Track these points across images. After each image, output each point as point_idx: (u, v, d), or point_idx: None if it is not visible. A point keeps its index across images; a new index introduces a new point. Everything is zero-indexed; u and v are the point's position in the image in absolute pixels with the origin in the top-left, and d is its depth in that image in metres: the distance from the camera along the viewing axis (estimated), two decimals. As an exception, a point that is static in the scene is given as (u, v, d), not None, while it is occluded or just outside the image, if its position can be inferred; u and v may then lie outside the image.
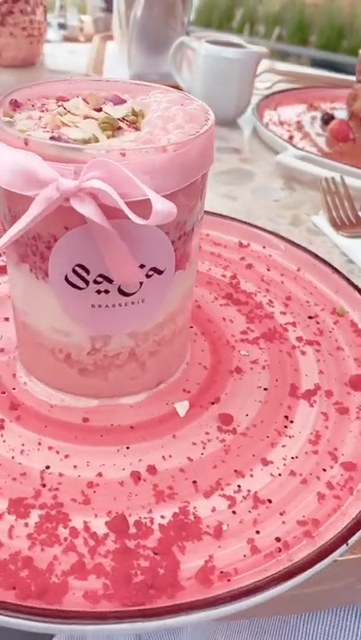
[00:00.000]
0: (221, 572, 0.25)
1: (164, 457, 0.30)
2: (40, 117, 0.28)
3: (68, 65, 0.98)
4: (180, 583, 0.24)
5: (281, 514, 0.27)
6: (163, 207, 0.23)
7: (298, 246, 0.46)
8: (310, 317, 0.40)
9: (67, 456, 0.30)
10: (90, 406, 0.32)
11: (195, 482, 0.29)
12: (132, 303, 0.29)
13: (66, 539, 0.26)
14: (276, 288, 0.43)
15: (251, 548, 0.26)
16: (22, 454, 0.29)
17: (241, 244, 0.48)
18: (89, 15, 1.39)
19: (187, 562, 0.25)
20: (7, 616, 0.22)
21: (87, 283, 0.27)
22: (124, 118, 0.28)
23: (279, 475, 0.29)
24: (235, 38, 0.75)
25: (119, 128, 0.28)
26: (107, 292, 0.28)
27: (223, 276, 0.44)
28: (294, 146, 0.67)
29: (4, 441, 0.30)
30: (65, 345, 0.31)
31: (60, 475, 0.29)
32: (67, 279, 0.27)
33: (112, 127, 0.27)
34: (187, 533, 0.26)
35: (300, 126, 0.77)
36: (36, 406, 0.32)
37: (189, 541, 0.26)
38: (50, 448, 0.30)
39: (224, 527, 0.27)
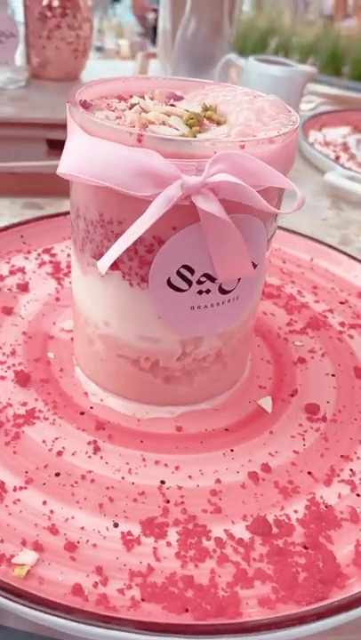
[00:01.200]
0: (375, 554, 0.25)
1: (270, 454, 0.30)
2: (118, 117, 0.27)
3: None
4: (344, 572, 0.24)
5: None
6: (300, 193, 0.23)
7: (305, 236, 0.48)
8: (342, 303, 0.42)
9: (177, 468, 0.28)
10: (177, 415, 0.31)
11: (310, 472, 0.29)
12: (229, 301, 0.28)
13: (215, 550, 0.25)
14: (299, 279, 0.44)
15: (391, 526, 0.26)
16: (131, 473, 0.28)
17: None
18: (126, 39, 1.36)
19: (338, 550, 0.25)
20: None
21: (190, 284, 0.26)
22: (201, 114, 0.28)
23: (382, 453, 0.30)
24: (282, 58, 0.74)
25: (203, 124, 0.27)
26: (208, 291, 0.27)
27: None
28: (341, 166, 0.67)
29: (107, 463, 0.28)
30: (153, 352, 0.29)
31: (179, 488, 0.27)
32: (169, 282, 0.26)
33: (199, 122, 0.27)
34: (326, 523, 0.26)
35: (345, 147, 0.76)
36: (122, 422, 0.30)
37: (332, 530, 0.26)
38: (157, 462, 0.28)
39: (358, 510, 0.27)
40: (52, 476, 0.27)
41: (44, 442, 0.29)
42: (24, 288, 0.40)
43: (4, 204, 0.52)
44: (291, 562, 0.24)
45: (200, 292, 0.27)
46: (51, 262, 0.43)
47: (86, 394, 0.32)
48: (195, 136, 0.25)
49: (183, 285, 0.26)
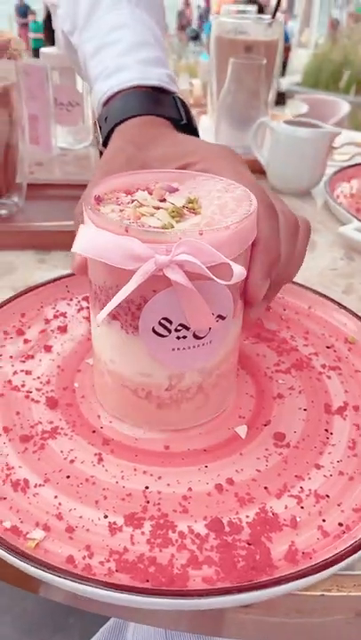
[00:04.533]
0: (303, 553, 0.32)
1: (237, 470, 0.37)
2: (121, 210, 0.36)
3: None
4: (274, 564, 0.31)
5: (338, 505, 0.35)
6: (238, 270, 0.31)
7: (307, 288, 0.55)
8: (328, 347, 0.48)
9: (160, 477, 0.36)
10: (168, 437, 0.39)
11: (266, 487, 0.36)
12: (203, 344, 0.36)
13: (177, 540, 0.32)
14: (295, 325, 0.51)
15: (321, 533, 0.33)
16: (123, 479, 0.36)
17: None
18: (199, 79, 1.45)
19: (275, 548, 0.32)
20: (149, 598, 0.29)
21: (170, 331, 0.34)
22: (184, 206, 0.36)
23: (330, 475, 0.37)
24: (314, 120, 0.82)
25: (183, 214, 0.36)
26: (184, 337, 0.35)
27: (248, 318, 0.52)
28: (358, 219, 0.71)
29: (107, 470, 0.37)
30: (147, 384, 0.38)
31: (159, 492, 0.35)
32: (153, 330, 0.34)
33: (179, 214, 0.35)
34: (270, 527, 0.33)
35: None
36: (123, 440, 0.39)
37: (273, 532, 0.33)
38: (144, 472, 0.37)
39: (298, 519, 0.34)
40: (64, 478, 0.36)
41: (61, 452, 0.38)
42: (64, 330, 0.49)
43: (58, 257, 0.63)
44: (234, 553, 0.32)
45: (178, 338, 0.35)
46: (87, 308, 0.52)
47: (99, 416, 0.41)
48: (173, 226, 0.34)
49: (165, 332, 0.34)
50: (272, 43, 0.88)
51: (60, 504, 0.34)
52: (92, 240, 0.33)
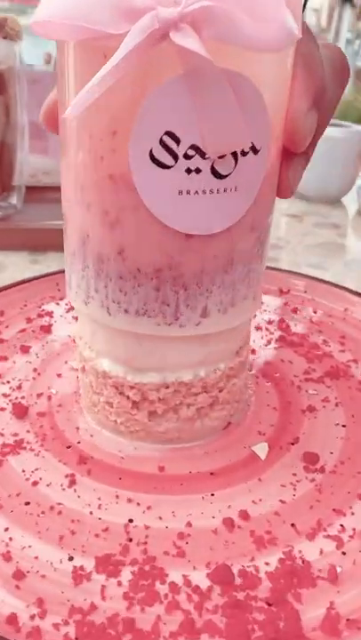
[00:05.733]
0: (348, 620, 0.22)
1: (254, 501, 0.27)
2: None
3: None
4: (306, 635, 0.21)
5: (396, 551, 0.25)
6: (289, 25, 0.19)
7: (343, 288, 0.46)
8: (370, 354, 0.39)
9: (149, 507, 0.27)
10: (164, 455, 0.30)
11: (293, 525, 0.26)
12: (225, 190, 0.24)
13: (166, 595, 0.23)
14: (328, 329, 0.42)
15: (373, 591, 0.23)
16: (100, 509, 0.27)
17: (281, 291, 0.47)
18: None
19: (307, 611, 0.22)
20: None
21: (176, 158, 0.23)
22: None
23: (382, 510, 0.27)
24: (345, 122, 0.75)
25: None
26: (198, 171, 0.23)
27: (270, 321, 0.43)
28: None
29: (79, 496, 0.27)
30: (138, 383, 0.29)
31: (146, 527, 0.26)
32: (152, 156, 0.23)
33: None
34: (299, 580, 0.24)
35: None
36: (105, 458, 0.30)
37: (304, 588, 0.23)
38: (129, 500, 0.27)
39: (338, 569, 0.24)
40: (22, 505, 0.27)
41: (23, 471, 0.29)
42: (47, 330, 0.41)
43: (54, 258, 0.56)
44: (248, 617, 0.22)
45: (189, 171, 0.23)
46: (79, 308, 0.44)
47: (77, 429, 0.32)
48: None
49: (168, 160, 0.23)
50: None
51: (10, 539, 0.25)
52: None
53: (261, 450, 0.31)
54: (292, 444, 0.31)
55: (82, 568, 0.24)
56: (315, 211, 0.72)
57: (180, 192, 0.23)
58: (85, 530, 0.26)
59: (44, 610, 0.22)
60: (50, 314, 0.43)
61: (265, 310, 0.44)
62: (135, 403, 0.30)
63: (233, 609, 0.22)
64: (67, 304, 0.45)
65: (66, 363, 0.38)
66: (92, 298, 0.28)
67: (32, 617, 0.22)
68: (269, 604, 0.23)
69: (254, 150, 0.24)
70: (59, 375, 0.36)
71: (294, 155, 0.27)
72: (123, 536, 0.25)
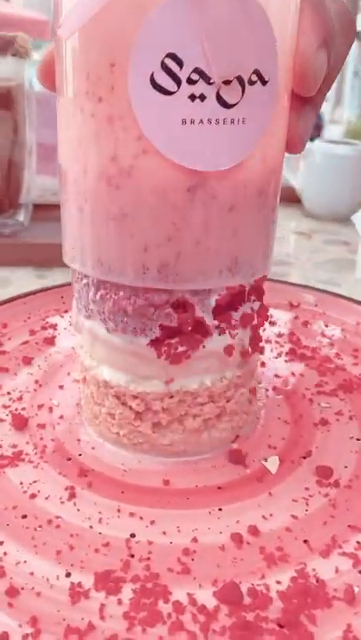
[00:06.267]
0: (367, 644, 0.20)
1: (264, 516, 0.26)
2: None
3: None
4: (321, 660, 0.20)
5: None
6: None
7: (355, 301, 0.45)
8: (384, 367, 0.38)
9: (152, 522, 0.25)
10: (169, 468, 0.29)
11: (306, 541, 0.25)
12: (232, 122, 0.22)
13: (170, 615, 0.21)
14: (340, 342, 0.41)
15: (394, 613, 0.21)
16: (101, 523, 0.25)
17: (292, 305, 0.46)
18: None
19: (322, 634, 0.20)
20: None
21: (179, 83, 0.21)
22: None
23: None
24: (353, 140, 0.75)
25: None
26: (203, 97, 0.21)
27: (280, 334, 0.42)
28: None
29: (79, 510, 0.26)
30: (141, 392, 0.28)
31: (150, 543, 0.24)
32: (153, 81, 0.21)
33: None
34: (313, 600, 0.22)
35: None
36: (107, 471, 0.28)
37: (318, 609, 0.21)
38: (132, 514, 0.26)
39: (356, 589, 0.22)
40: (18, 518, 0.25)
41: (20, 484, 0.27)
42: (50, 342, 0.40)
43: (61, 272, 0.55)
44: (258, 640, 0.20)
45: (193, 98, 0.21)
46: (84, 321, 0.43)
47: (79, 441, 0.31)
48: None
49: (171, 85, 0.21)
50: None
51: (4, 554, 0.24)
52: None
53: (272, 463, 0.29)
54: (305, 457, 0.30)
55: (80, 585, 0.22)
56: (324, 228, 0.71)
57: (184, 121, 0.22)
58: (85, 545, 0.24)
59: (38, 630, 0.20)
60: (54, 326, 0.42)
61: (275, 324, 0.43)
62: (138, 413, 0.28)
63: (242, 630, 0.21)
64: (71, 316, 0.44)
65: (68, 374, 0.36)
66: (91, 311, 0.27)
67: (24, 636, 0.20)
68: (281, 626, 0.21)
69: (262, 80, 0.22)
70: (61, 387, 0.35)
71: (304, 103, 0.26)
72: (124, 551, 0.24)
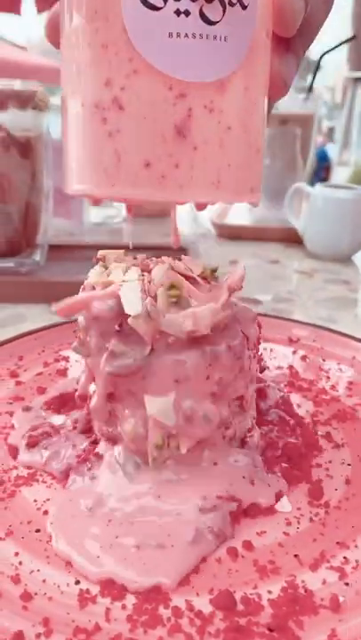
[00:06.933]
0: (350, 647, 0.22)
1: (258, 533, 0.28)
2: None
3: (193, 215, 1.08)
4: (307, 661, 0.21)
5: None
6: None
7: (351, 337, 0.47)
8: (377, 398, 0.40)
9: (155, 536, 0.28)
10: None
11: (296, 555, 0.27)
12: (215, 38, 0.25)
13: (169, 619, 0.23)
14: (336, 375, 0.43)
15: (376, 621, 0.23)
16: (108, 537, 0.28)
17: (291, 340, 0.49)
18: None
19: (308, 637, 0.22)
20: None
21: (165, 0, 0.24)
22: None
23: (386, 544, 0.27)
24: (353, 185, 0.79)
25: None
26: (187, 13, 0.24)
27: (279, 367, 0.44)
28: None
29: (88, 525, 0.28)
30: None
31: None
32: None
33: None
34: (301, 607, 0.24)
35: None
36: (115, 491, 0.31)
37: (305, 616, 0.23)
38: (136, 530, 0.28)
39: (341, 599, 0.24)
40: (32, 532, 0.28)
41: (35, 501, 0.30)
42: (63, 373, 0.43)
43: (73, 310, 0.58)
44: (249, 642, 0.22)
45: (178, 13, 0.24)
46: (95, 354, 0.46)
47: (88, 463, 0.33)
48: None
49: (158, 1, 0.24)
50: (308, 116, 0.87)
51: (20, 563, 0.26)
52: None
53: (267, 485, 0.31)
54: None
55: (87, 591, 0.24)
56: (325, 268, 0.74)
57: (171, 34, 0.24)
58: (92, 556, 0.26)
59: (50, 629, 0.23)
60: (66, 359, 0.45)
61: (274, 357, 0.46)
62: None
63: (235, 633, 0.23)
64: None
65: (80, 403, 0.39)
66: None
67: (37, 635, 0.22)
68: (271, 630, 0.23)
69: (242, 5, 0.25)
70: (73, 414, 0.38)
71: (286, 49, 0.28)
72: (128, 563, 0.26)
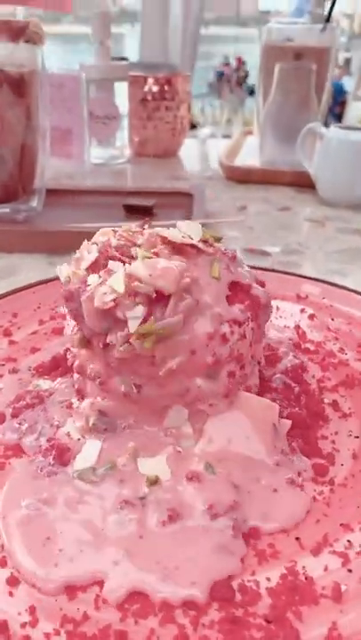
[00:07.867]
0: (350, 642, 0.21)
1: (258, 513, 0.27)
2: None
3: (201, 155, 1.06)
4: (305, 657, 0.20)
5: None
6: None
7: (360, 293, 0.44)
8: (388, 363, 0.38)
9: (150, 516, 0.26)
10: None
11: (298, 539, 0.25)
12: None
13: (161, 609, 0.22)
14: (345, 336, 0.41)
15: (379, 612, 0.22)
16: (100, 516, 0.26)
17: (299, 297, 0.46)
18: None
19: (307, 630, 0.21)
20: None
21: None
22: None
23: (393, 527, 0.26)
24: None
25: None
26: None
27: (286, 326, 0.42)
28: None
29: (79, 502, 0.27)
30: None
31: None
32: None
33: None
34: (301, 597, 0.23)
35: None
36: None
37: (305, 606, 0.22)
38: (130, 508, 0.27)
39: (343, 588, 0.23)
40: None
41: (24, 475, 0.29)
42: (59, 332, 0.41)
43: (71, 260, 0.55)
44: (245, 634, 0.21)
45: None
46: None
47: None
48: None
49: None
50: (324, 49, 0.80)
51: (2, 547, 0.25)
52: None
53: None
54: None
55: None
56: (338, 216, 0.71)
57: None
58: (83, 537, 0.25)
59: (36, 618, 0.22)
60: (63, 316, 0.43)
61: (281, 316, 0.43)
62: None
63: (231, 624, 0.21)
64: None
65: (75, 366, 0.37)
66: None
67: (23, 625, 0.21)
68: (268, 622, 0.22)
69: None
70: (67, 378, 0.36)
71: None
72: (121, 544, 0.25)
